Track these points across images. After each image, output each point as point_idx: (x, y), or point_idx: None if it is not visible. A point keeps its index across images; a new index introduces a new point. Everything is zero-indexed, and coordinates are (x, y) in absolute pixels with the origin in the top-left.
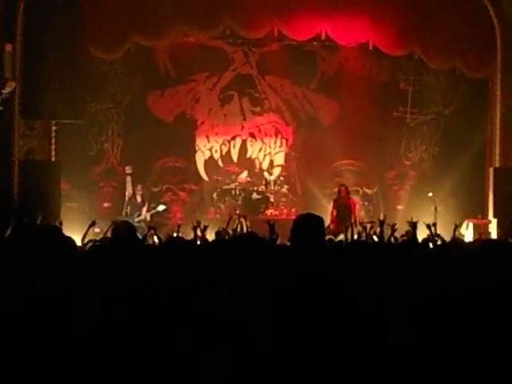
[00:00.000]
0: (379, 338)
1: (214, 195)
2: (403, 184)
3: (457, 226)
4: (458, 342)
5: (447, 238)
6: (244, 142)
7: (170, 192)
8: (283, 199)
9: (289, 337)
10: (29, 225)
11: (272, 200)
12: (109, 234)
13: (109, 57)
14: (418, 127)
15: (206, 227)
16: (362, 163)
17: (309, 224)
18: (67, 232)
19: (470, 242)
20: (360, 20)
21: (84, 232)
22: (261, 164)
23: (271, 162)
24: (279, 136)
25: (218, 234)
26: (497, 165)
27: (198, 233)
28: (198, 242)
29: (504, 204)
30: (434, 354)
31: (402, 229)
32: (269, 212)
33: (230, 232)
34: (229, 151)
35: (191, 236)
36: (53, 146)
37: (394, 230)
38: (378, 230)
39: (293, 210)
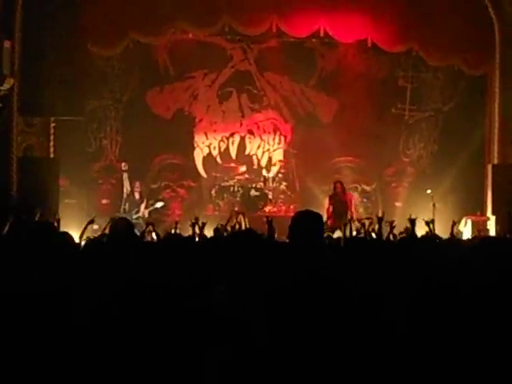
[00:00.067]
0: (378, 335)
1: (213, 192)
2: (402, 181)
3: (454, 223)
4: (457, 339)
5: (446, 235)
6: (242, 139)
7: (168, 189)
8: (282, 196)
9: (287, 333)
10: (27, 221)
11: (270, 197)
12: (107, 231)
13: (107, 53)
14: (417, 124)
15: (204, 224)
16: (360, 160)
17: (307, 221)
18: (65, 228)
19: (468, 239)
20: (359, 17)
21: (82, 229)
22: (259, 161)
23: (269, 158)
24: (278, 133)
25: (216, 230)
26: (495, 162)
27: (197, 230)
28: (197, 239)
29: (502, 201)
30: (434, 350)
31: (400, 226)
32: (267, 209)
33: (229, 229)
34: (227, 148)
35: (190, 233)
36: (51, 143)
37: (392, 227)
38: (377, 226)
39: (291, 206)
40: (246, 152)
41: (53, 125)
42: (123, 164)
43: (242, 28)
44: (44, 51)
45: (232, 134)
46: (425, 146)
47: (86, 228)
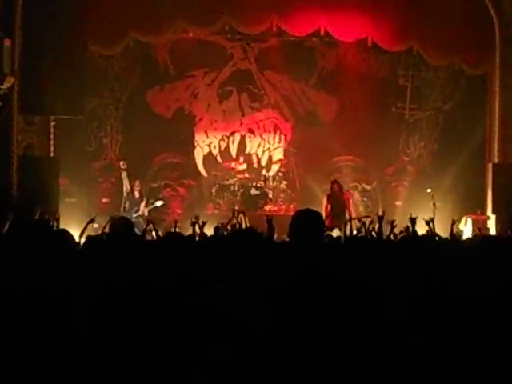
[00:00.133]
0: (379, 334)
1: (213, 191)
2: (402, 180)
3: (454, 222)
4: (457, 338)
5: (446, 234)
6: (243, 138)
7: (168, 188)
8: (282, 195)
9: (288, 332)
10: (27, 220)
11: (271, 196)
12: (107, 230)
13: (107, 52)
14: (417, 123)
15: (204, 223)
16: (360, 159)
17: (307, 220)
18: (66, 227)
19: (468, 238)
20: (359, 16)
21: (82, 228)
22: (259, 160)
23: (270, 157)
24: (278, 132)
25: (216, 229)
26: (496, 161)
27: (197, 229)
28: (197, 238)
29: (503, 200)
30: (434, 349)
31: (400, 225)
32: (267, 208)
33: (229, 228)
34: (227, 147)
35: (190, 232)
36: (52, 142)
37: (393, 227)
38: (377, 225)
39: (291, 205)
40: (247, 151)
41: (53, 123)
42: (122, 162)
43: (243, 27)
44: (44, 50)
45: (232, 133)
46: (425, 145)
47: (86, 227)
